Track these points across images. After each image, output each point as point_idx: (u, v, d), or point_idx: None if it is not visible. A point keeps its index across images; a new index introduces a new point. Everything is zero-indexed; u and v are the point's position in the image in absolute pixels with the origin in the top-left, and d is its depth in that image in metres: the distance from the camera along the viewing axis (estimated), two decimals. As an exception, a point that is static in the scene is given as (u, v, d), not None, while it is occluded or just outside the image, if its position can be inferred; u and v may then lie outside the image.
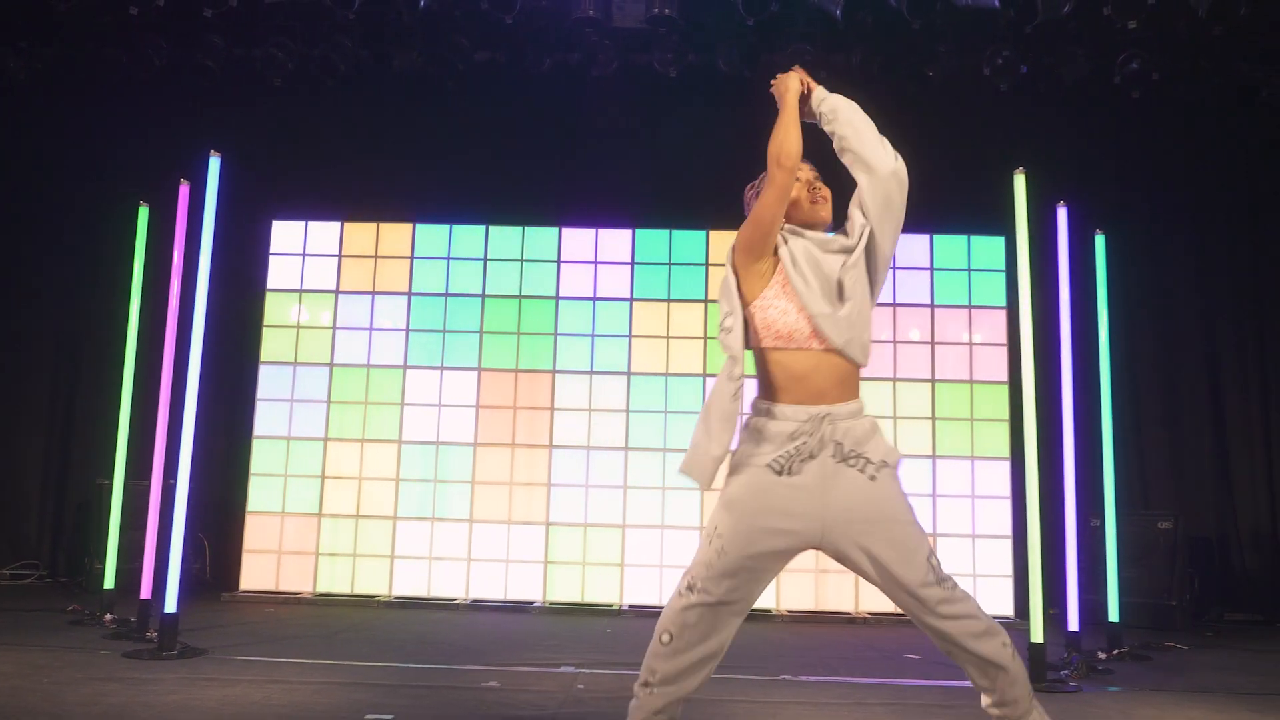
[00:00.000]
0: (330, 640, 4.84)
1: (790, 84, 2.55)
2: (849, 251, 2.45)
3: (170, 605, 4.19)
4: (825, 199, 2.57)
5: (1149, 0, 6.04)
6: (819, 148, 2.63)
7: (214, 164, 4.52)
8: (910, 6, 6.11)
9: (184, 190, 4.97)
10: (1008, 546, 6.31)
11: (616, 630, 5.52)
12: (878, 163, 2.47)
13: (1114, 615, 5.08)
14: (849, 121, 2.51)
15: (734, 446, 2.45)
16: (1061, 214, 4.85)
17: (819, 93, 2.57)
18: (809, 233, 2.51)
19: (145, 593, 4.73)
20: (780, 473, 2.35)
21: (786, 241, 2.50)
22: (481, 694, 3.61)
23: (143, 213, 5.38)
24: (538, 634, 5.28)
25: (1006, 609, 6.16)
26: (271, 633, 5.01)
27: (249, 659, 4.17)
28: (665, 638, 2.40)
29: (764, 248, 2.46)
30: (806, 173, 2.57)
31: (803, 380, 2.40)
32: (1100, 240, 5.30)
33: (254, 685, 3.61)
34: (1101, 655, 4.84)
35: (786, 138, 2.44)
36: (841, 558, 2.40)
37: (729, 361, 2.41)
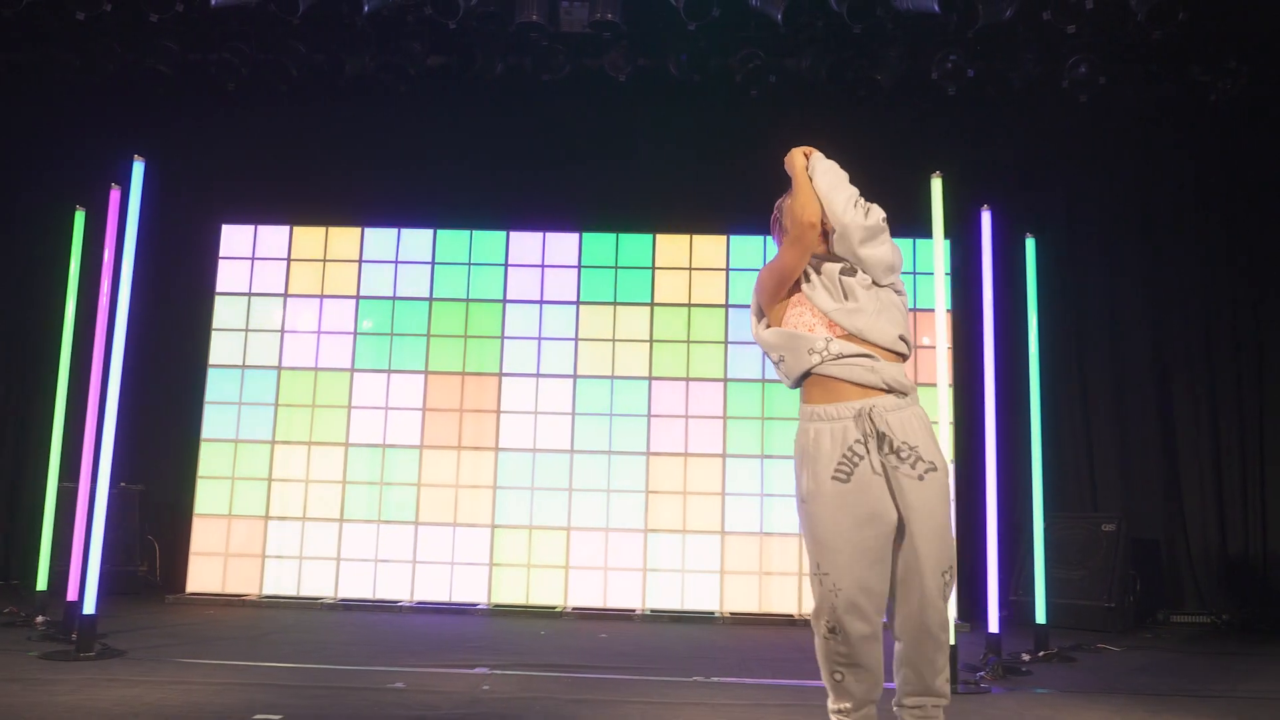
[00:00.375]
0: (256, 642, 4.87)
1: (796, 160, 2.76)
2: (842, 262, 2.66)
3: (89, 607, 4.22)
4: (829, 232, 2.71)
5: (1087, 5, 6.06)
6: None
7: (138, 169, 4.56)
8: (850, 11, 6.13)
9: (114, 195, 5.00)
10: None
11: (553, 632, 5.55)
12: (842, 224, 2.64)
13: (1041, 617, 5.10)
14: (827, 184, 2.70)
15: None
16: (985, 217, 4.87)
17: (815, 157, 2.78)
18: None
19: (74, 594, 4.76)
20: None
21: None
22: (381, 695, 3.64)
23: (79, 217, 5.42)
24: (471, 635, 5.31)
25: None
26: (199, 634, 5.04)
27: (164, 661, 4.19)
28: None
29: (786, 290, 2.69)
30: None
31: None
32: (1030, 244, 5.32)
33: (155, 686, 3.63)
34: (1026, 657, 4.86)
35: (807, 204, 2.66)
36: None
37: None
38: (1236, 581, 6.78)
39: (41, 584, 5.17)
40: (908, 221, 6.57)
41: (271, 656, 4.40)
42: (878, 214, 2.65)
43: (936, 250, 4.36)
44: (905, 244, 6.72)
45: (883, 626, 2.48)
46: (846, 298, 2.59)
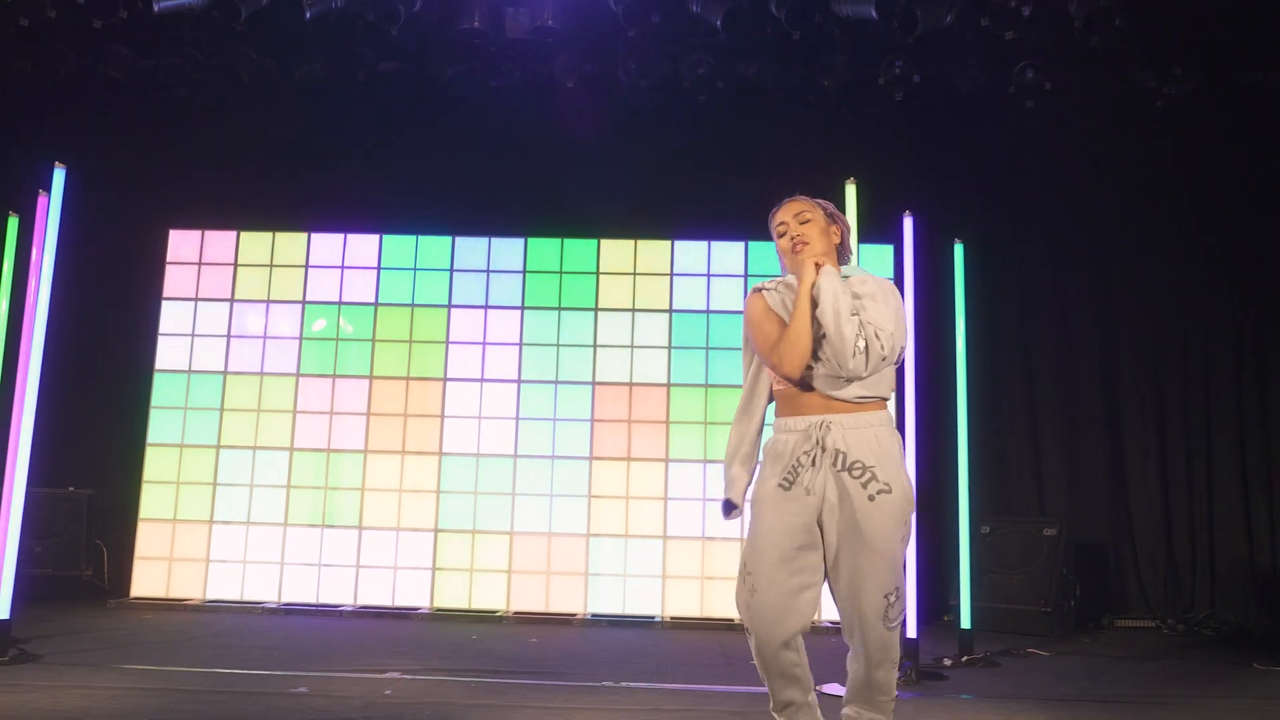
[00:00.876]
0: (178, 647, 4.89)
1: (806, 274, 2.60)
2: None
3: (2, 611, 4.24)
4: (806, 244, 2.67)
5: (1024, 12, 6.08)
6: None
7: (59, 176, 4.58)
8: (789, 17, 6.15)
9: (42, 201, 5.01)
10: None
11: (487, 637, 5.56)
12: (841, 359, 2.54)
13: (965, 622, 5.11)
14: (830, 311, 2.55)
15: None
16: (907, 223, 4.89)
17: (824, 272, 2.61)
18: (793, 281, 2.68)
19: (-3, 599, 4.77)
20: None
21: (774, 290, 2.73)
22: (279, 699, 3.65)
23: (12, 223, 5.42)
24: (402, 640, 5.32)
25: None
26: (125, 640, 5.06)
27: (76, 666, 4.21)
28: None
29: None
30: (792, 225, 2.70)
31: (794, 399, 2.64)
32: (959, 249, 5.34)
33: (53, 692, 3.65)
34: (947, 662, 4.88)
35: (797, 343, 2.55)
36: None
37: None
38: (1181, 586, 6.79)
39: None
40: (859, 228, 6.71)
41: (187, 661, 4.41)
42: (878, 353, 2.51)
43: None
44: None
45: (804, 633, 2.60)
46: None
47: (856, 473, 2.50)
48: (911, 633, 4.61)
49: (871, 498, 2.49)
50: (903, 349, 2.61)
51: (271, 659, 4.54)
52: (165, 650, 4.77)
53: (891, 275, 6.65)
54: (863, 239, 6.37)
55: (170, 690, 3.75)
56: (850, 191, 4.40)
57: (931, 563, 6.26)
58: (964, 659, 4.95)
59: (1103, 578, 6.83)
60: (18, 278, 5.42)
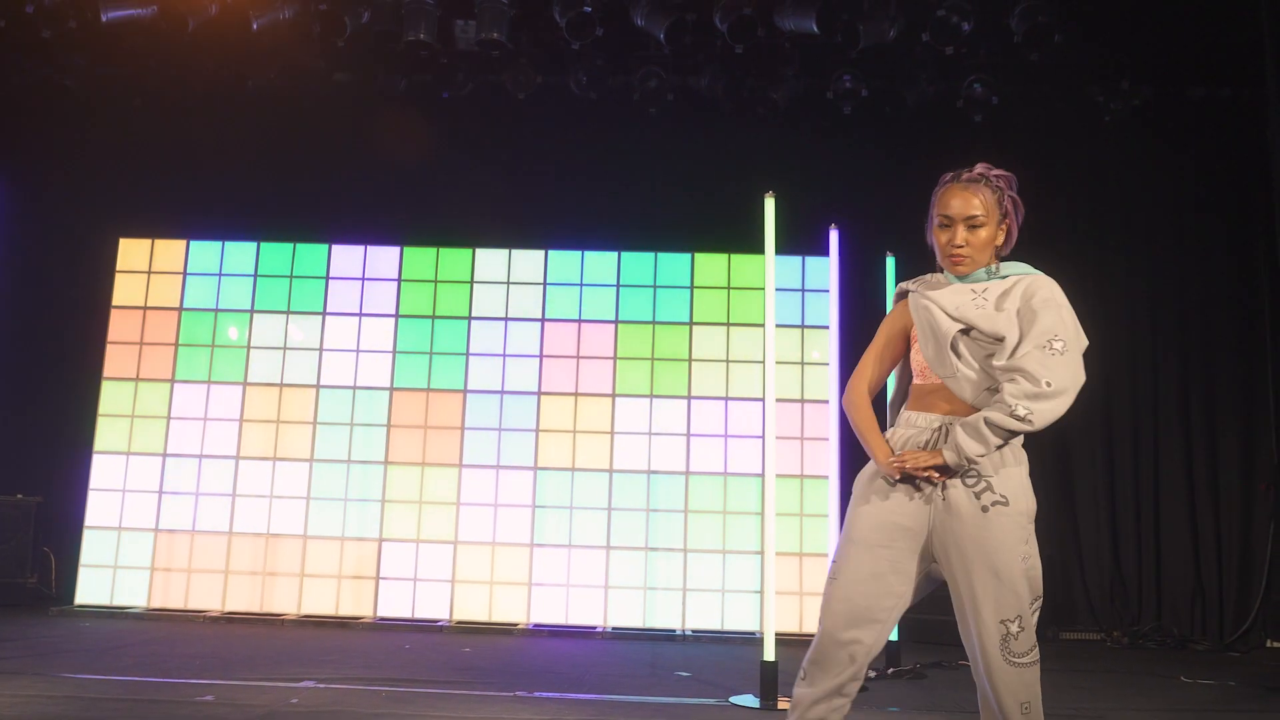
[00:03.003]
0: (100, 655, 4.89)
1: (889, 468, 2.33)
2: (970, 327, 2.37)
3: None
4: (965, 257, 2.42)
5: (964, 27, 6.12)
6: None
7: (-15, 184, 4.61)
8: (731, 31, 6.19)
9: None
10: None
11: (421, 646, 5.57)
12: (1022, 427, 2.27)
13: (893, 635, 5.11)
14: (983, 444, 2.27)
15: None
16: (833, 236, 4.92)
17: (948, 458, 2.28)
18: (942, 286, 2.45)
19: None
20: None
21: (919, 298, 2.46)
22: (182, 707, 3.66)
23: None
24: (332, 649, 5.32)
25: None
26: (51, 648, 5.06)
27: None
28: None
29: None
30: (960, 232, 2.42)
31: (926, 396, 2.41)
32: (890, 261, 5.36)
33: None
34: (872, 674, 4.87)
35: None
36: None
37: None
38: (1128, 600, 6.80)
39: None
40: (796, 241, 6.76)
41: (103, 669, 4.42)
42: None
43: (768, 269, 4.38)
44: (794, 261, 6.74)
45: (866, 640, 2.26)
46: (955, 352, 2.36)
47: (970, 480, 2.26)
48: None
49: (985, 509, 2.24)
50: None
51: (191, 666, 4.55)
52: (86, 658, 4.77)
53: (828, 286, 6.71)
54: (792, 251, 6.47)
55: (76, 699, 3.76)
56: (769, 205, 4.42)
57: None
58: (890, 670, 4.96)
59: (1050, 590, 6.74)
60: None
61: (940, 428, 2.34)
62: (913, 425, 2.39)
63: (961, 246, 2.41)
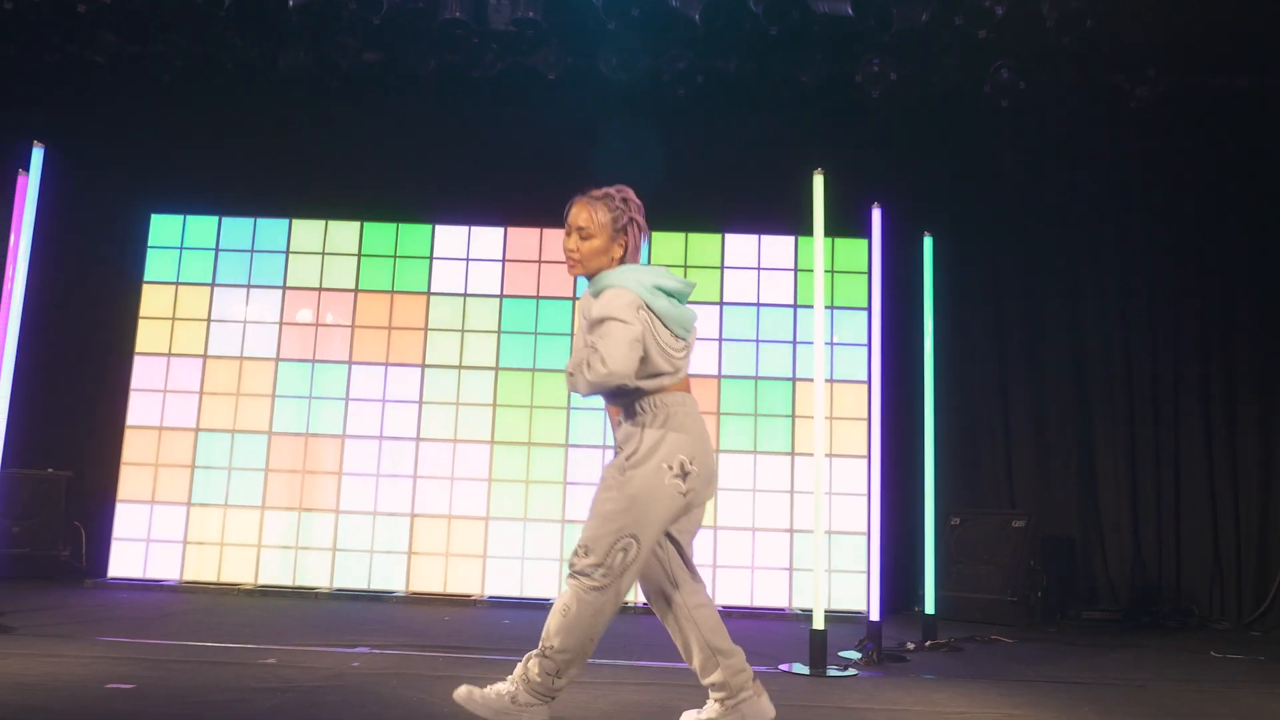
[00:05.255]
0: (149, 623, 4.94)
1: None
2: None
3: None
4: (576, 262, 2.85)
5: (998, 12, 6.17)
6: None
7: (37, 155, 4.63)
8: (767, 12, 6.23)
9: (21, 181, 5.06)
10: (862, 542, 6.43)
11: (457, 618, 5.63)
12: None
13: (930, 608, 5.22)
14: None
15: None
16: (876, 214, 4.98)
17: None
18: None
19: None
20: None
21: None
22: (248, 669, 3.72)
23: (-7, 203, 5.48)
24: (373, 620, 5.39)
25: (859, 604, 6.29)
26: (97, 615, 5.12)
27: (47, 637, 4.27)
28: None
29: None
30: (569, 237, 2.84)
31: None
32: (928, 242, 5.43)
33: (23, 659, 3.70)
34: (910, 646, 4.96)
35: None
36: None
37: None
38: (1148, 579, 6.90)
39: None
40: (832, 221, 6.81)
41: (156, 635, 4.48)
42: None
43: (817, 248, 4.44)
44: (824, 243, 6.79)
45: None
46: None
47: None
48: (875, 615, 4.70)
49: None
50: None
51: (242, 634, 4.60)
52: (135, 625, 4.82)
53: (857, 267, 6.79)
54: (833, 231, 6.52)
55: (139, 659, 3.81)
56: (818, 182, 4.47)
57: (903, 554, 6.36)
58: (927, 644, 5.05)
59: (1071, 570, 6.94)
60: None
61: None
62: None
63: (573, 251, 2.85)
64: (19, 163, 5.36)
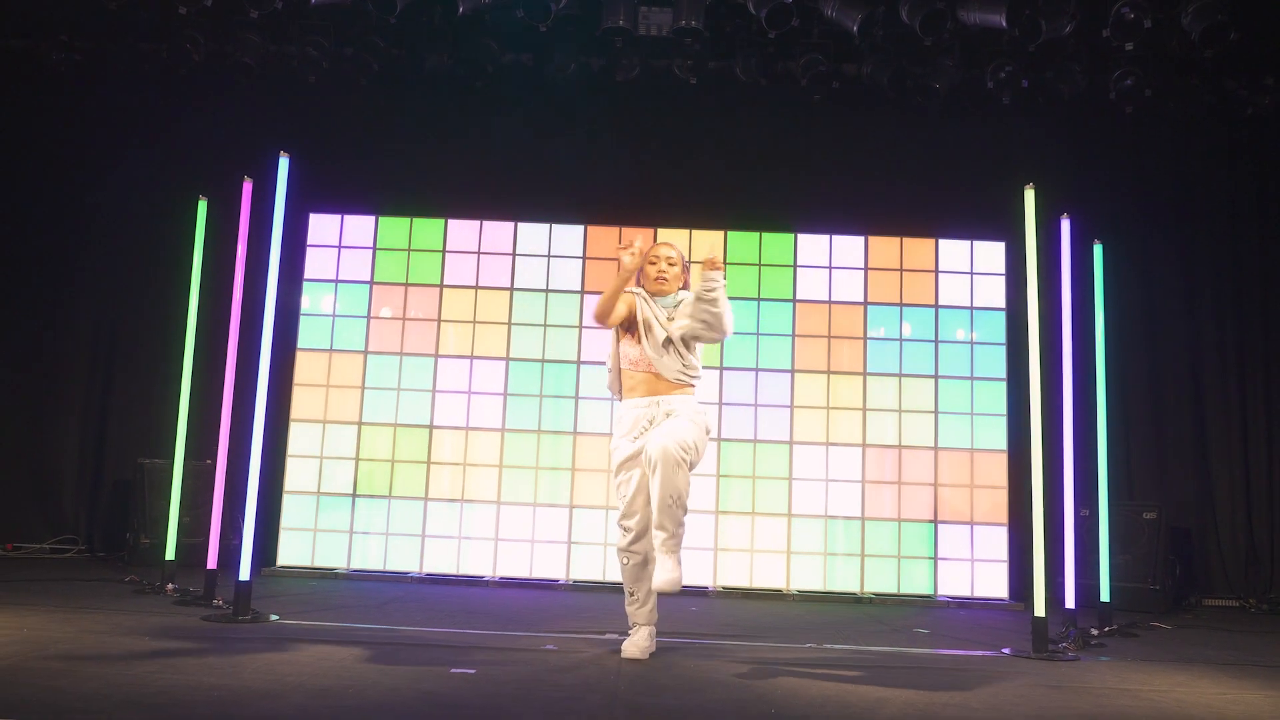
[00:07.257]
0: (383, 609, 5.19)
1: (629, 265, 3.79)
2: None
3: (244, 574, 4.53)
4: (668, 279, 3.97)
5: (1145, 24, 6.43)
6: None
7: (283, 164, 4.83)
8: (923, 24, 6.48)
9: (247, 186, 5.27)
10: (1003, 533, 6.72)
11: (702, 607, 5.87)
12: (721, 335, 3.89)
13: (1105, 596, 5.51)
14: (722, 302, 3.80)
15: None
16: (1065, 225, 5.24)
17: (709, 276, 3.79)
18: (655, 300, 3.95)
19: (212, 564, 5.05)
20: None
21: (645, 303, 3.95)
22: (544, 656, 3.97)
23: (202, 206, 5.68)
24: (588, 608, 5.64)
25: (1001, 591, 6.60)
26: (324, 603, 5.36)
27: (314, 624, 4.51)
28: None
29: (608, 322, 3.91)
30: (662, 261, 3.96)
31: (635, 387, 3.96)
32: (1098, 250, 5.70)
33: (340, 648, 3.95)
34: (1095, 632, 5.26)
35: (605, 306, 3.84)
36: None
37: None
38: (1260, 567, 7.23)
39: (170, 554, 5.45)
40: (969, 224, 7.08)
41: (417, 622, 4.73)
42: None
43: (1030, 258, 4.70)
44: (963, 245, 7.08)
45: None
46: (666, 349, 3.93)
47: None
48: (1070, 603, 5.00)
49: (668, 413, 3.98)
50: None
51: (500, 621, 4.89)
52: (376, 613, 5.07)
53: (1003, 272, 7.05)
54: (960, 235, 6.83)
55: (439, 646, 4.07)
56: (1029, 196, 4.72)
57: (1029, 545, 6.64)
58: (1106, 630, 5.35)
59: (1187, 559, 7.26)
60: (214, 259, 5.71)
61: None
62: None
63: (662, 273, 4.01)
64: (231, 165, 5.58)
